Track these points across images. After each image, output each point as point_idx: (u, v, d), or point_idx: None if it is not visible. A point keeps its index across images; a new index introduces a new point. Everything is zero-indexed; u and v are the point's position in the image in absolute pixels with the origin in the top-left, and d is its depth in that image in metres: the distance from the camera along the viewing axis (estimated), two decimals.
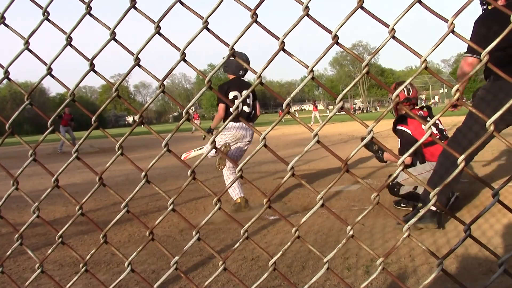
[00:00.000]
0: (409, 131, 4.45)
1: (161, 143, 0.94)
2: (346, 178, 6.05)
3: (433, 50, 0.84)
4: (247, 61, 5.26)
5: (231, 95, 5.19)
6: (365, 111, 66.15)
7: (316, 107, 35.37)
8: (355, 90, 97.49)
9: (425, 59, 0.83)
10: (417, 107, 4.65)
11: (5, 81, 1.14)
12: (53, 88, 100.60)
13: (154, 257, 3.49)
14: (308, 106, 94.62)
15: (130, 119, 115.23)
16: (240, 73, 5.34)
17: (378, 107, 74.27)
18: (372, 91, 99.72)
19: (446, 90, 76.40)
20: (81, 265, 1.09)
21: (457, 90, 0.81)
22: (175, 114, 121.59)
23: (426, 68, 0.83)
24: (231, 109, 0.93)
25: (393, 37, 0.85)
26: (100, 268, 3.31)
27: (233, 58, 0.92)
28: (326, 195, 5.53)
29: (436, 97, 68.72)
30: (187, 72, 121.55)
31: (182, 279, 2.96)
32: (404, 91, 4.52)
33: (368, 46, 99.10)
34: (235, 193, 5.13)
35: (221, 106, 5.17)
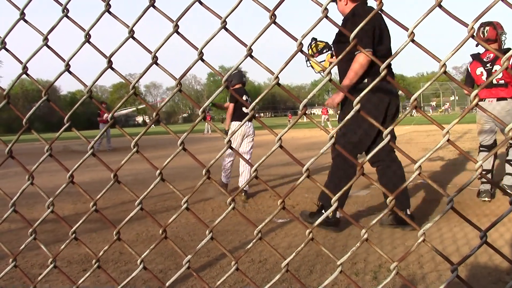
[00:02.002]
0: (469, 69, 5.25)
1: (170, 144, 0.94)
2: (355, 183, 6.03)
3: (453, 54, 0.83)
4: (244, 75, 6.66)
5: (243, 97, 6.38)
6: None
7: (327, 110, 35.31)
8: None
9: (444, 63, 0.83)
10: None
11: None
12: (64, 87, 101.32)
13: (161, 257, 3.50)
14: (317, 110, 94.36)
15: (140, 119, 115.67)
16: (243, 81, 6.57)
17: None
18: None
19: (457, 98, 76.00)
20: (93, 261, 1.09)
21: (476, 95, 0.80)
22: (185, 115, 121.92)
23: (445, 72, 0.83)
24: (247, 110, 0.94)
25: (412, 41, 0.85)
26: (108, 266, 3.32)
27: (237, 71, 0.92)
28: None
29: (447, 104, 68.26)
30: (197, 73, 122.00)
31: (190, 279, 2.97)
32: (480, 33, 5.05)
33: None
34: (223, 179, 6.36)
35: (231, 106, 6.35)
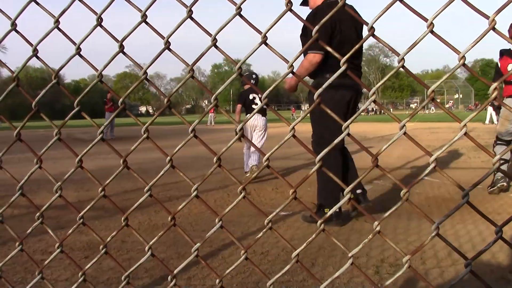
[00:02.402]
0: (499, 64, 5.26)
1: (172, 135, 0.93)
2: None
3: (472, 46, 0.82)
4: (252, 76, 7.41)
5: (251, 96, 7.12)
6: (378, 112, 65.70)
7: None
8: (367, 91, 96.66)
9: (463, 56, 0.81)
10: None
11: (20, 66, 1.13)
12: (68, 75, 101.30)
13: (164, 246, 3.50)
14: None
15: (143, 109, 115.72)
16: (252, 80, 7.31)
17: (391, 109, 73.81)
18: (387, 93, 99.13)
19: (461, 96, 75.79)
20: (101, 247, 1.08)
21: (495, 88, 0.79)
22: (188, 106, 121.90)
23: (464, 64, 0.82)
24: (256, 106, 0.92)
25: (431, 32, 0.84)
26: (110, 254, 3.33)
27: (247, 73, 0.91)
28: None
29: (451, 102, 68.16)
30: (201, 65, 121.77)
31: (192, 268, 2.97)
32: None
33: (384, 48, 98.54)
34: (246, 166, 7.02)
35: (238, 106, 7.22)
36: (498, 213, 4.33)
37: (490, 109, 25.42)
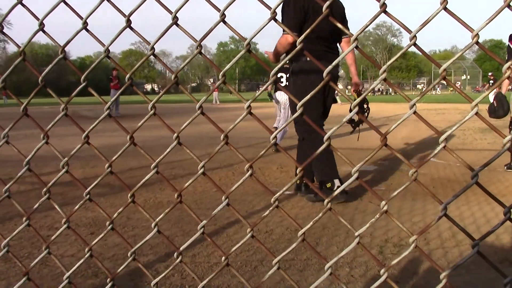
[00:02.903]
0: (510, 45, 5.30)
1: (177, 113, 0.92)
2: (364, 158, 6.01)
3: (487, 24, 0.80)
4: None
5: (279, 75, 7.58)
6: (384, 93, 65.28)
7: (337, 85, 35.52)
8: (376, 71, 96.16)
9: (477, 34, 0.80)
10: None
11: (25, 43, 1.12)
12: (74, 52, 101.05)
13: (168, 223, 3.52)
14: None
15: (148, 87, 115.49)
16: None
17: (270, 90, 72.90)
18: (394, 73, 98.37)
19: (469, 77, 75.19)
20: (107, 223, 1.09)
21: (509, 67, 0.78)
22: (194, 84, 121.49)
23: (477, 43, 0.80)
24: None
25: (445, 9, 0.82)
26: (117, 231, 3.35)
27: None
28: (343, 173, 5.52)
29: (458, 83, 67.66)
30: (208, 43, 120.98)
31: (197, 246, 2.99)
32: None
33: (392, 27, 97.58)
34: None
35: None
36: (503, 194, 4.33)
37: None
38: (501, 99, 5.28)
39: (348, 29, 4.28)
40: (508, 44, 5.44)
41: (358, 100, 0.84)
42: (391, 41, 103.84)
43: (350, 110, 0.86)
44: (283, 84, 7.52)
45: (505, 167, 5.61)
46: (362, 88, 4.65)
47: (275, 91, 7.96)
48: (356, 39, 0.85)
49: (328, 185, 4.09)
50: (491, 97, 5.22)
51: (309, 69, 4.11)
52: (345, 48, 4.36)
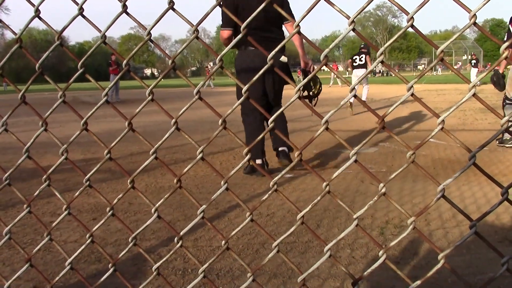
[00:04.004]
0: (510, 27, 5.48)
1: (179, 97, 0.93)
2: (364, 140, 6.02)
3: (484, 4, 0.79)
4: None
5: (355, 57, 11.96)
6: (385, 74, 64.94)
7: (337, 67, 35.57)
8: (376, 54, 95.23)
9: (474, 14, 0.79)
10: None
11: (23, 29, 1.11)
12: (72, 37, 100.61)
13: (170, 208, 3.54)
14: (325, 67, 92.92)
15: (148, 71, 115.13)
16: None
17: (397, 70, 72.93)
18: (394, 54, 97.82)
19: (469, 57, 74.72)
20: (108, 209, 1.09)
21: (506, 48, 0.77)
22: (193, 68, 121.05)
23: (475, 23, 0.80)
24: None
25: None
26: (118, 216, 3.37)
27: None
28: (344, 156, 5.52)
29: (459, 63, 67.22)
30: (206, 26, 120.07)
31: (198, 230, 3.01)
32: None
33: (392, 8, 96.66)
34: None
35: (349, 61, 12.31)
36: (504, 174, 4.34)
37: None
38: (498, 78, 5.75)
39: (291, 14, 4.54)
40: (509, 26, 5.58)
41: (304, 82, 0.83)
42: (392, 22, 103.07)
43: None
44: (356, 64, 11.74)
45: (497, 142, 5.99)
46: (311, 66, 4.81)
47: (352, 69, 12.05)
48: (298, 25, 0.86)
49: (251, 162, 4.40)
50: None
51: (244, 58, 4.55)
52: (290, 32, 4.48)
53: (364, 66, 11.73)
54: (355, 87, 0.82)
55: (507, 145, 5.82)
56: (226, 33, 4.41)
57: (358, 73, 11.87)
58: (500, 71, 5.80)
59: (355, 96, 0.84)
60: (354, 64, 11.96)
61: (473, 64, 26.24)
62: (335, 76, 34.30)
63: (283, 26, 4.61)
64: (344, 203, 0.90)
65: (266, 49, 0.86)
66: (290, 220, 3.18)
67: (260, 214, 3.32)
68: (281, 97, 4.83)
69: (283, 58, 4.39)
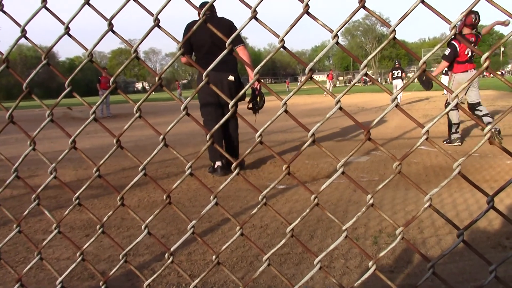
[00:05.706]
0: (457, 47, 6.36)
1: (170, 111, 0.93)
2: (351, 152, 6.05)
3: (463, 16, 0.81)
4: None
5: (394, 70, 18.65)
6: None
7: (332, 76, 36.44)
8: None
9: (455, 25, 0.81)
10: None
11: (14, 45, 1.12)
12: (62, 53, 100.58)
13: (163, 222, 3.52)
14: (318, 77, 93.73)
15: (139, 85, 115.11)
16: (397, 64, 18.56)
17: (388, 79, 73.45)
18: (384, 62, 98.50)
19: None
20: (98, 226, 1.09)
21: (487, 58, 0.79)
22: (184, 81, 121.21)
23: (455, 35, 0.81)
24: None
25: (422, 2, 0.83)
26: (111, 232, 3.34)
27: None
28: (335, 166, 5.53)
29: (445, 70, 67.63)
30: None
31: (192, 244, 3.00)
32: (472, 18, 6.17)
33: (381, 16, 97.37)
34: None
35: (390, 74, 19.13)
36: (495, 180, 4.36)
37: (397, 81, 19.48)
38: (427, 79, 6.79)
39: (239, 39, 5.20)
40: (452, 42, 6.42)
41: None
42: (381, 31, 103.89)
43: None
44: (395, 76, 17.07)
45: (444, 142, 6.91)
46: (258, 86, 5.54)
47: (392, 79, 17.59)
48: (282, 39, 0.87)
49: (212, 164, 5.40)
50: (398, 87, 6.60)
51: (200, 76, 5.11)
52: (239, 55, 5.09)
53: (400, 77, 18.10)
54: (339, 100, 0.83)
55: (455, 144, 6.64)
56: (182, 59, 4.86)
57: (396, 83, 18.16)
58: (434, 74, 6.59)
59: (340, 108, 0.85)
60: (393, 76, 18.33)
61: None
62: (331, 85, 34.72)
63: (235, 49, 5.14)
64: (337, 213, 0.91)
65: (217, 70, 0.91)
66: (284, 232, 3.18)
67: (254, 226, 3.32)
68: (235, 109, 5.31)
69: (231, 77, 5.18)
